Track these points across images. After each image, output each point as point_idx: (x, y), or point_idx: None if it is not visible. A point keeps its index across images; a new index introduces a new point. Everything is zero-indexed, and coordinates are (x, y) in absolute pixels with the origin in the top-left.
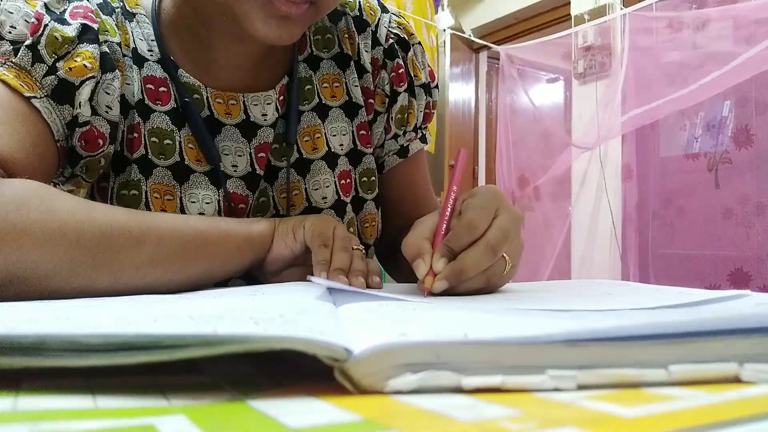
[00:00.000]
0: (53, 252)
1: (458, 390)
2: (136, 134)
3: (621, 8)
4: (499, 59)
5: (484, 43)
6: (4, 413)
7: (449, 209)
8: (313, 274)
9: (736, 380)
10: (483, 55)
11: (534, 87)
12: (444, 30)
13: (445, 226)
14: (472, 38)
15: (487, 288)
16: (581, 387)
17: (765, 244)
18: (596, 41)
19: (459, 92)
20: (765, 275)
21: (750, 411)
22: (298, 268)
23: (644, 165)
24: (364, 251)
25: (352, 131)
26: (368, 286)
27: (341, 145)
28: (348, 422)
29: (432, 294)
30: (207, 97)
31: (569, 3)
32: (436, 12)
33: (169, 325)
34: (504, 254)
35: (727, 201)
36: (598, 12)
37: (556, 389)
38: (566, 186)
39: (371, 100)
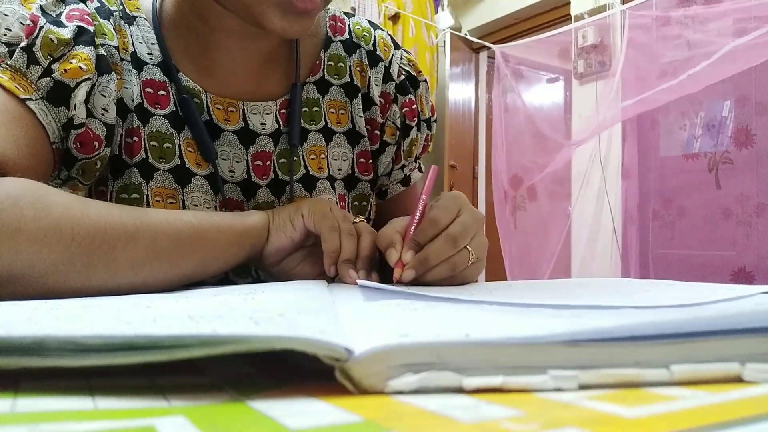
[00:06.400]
0: (49, 250)
1: (459, 390)
2: (135, 138)
3: (621, 6)
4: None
5: (483, 42)
6: (3, 414)
7: (419, 213)
8: (312, 257)
9: (738, 380)
10: (483, 55)
11: (533, 87)
12: (444, 30)
13: (414, 227)
14: (470, 38)
15: (455, 279)
16: (583, 387)
17: (766, 244)
18: (596, 40)
19: (459, 92)
20: (767, 274)
21: (752, 411)
22: (299, 253)
23: (645, 165)
24: (364, 219)
25: (353, 158)
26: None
27: (340, 170)
28: (348, 423)
29: (401, 283)
30: (207, 102)
31: (569, 3)
32: (436, 12)
33: (169, 325)
34: (468, 247)
35: (728, 201)
36: (598, 12)
37: (558, 389)
38: (566, 186)
39: (377, 132)
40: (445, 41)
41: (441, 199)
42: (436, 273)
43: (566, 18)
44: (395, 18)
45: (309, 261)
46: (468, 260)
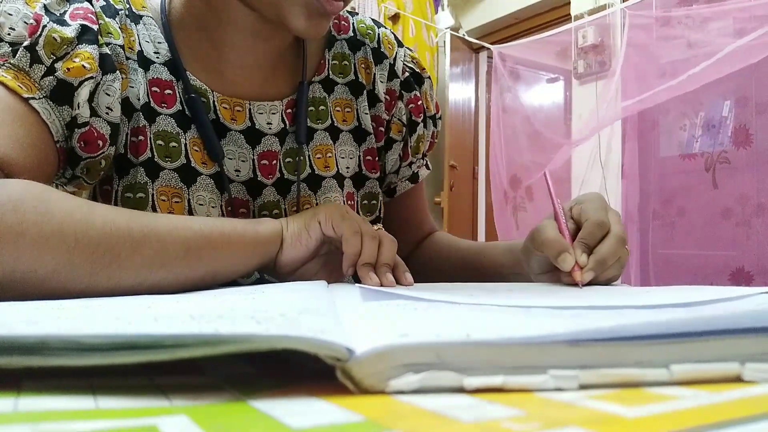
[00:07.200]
0: (51, 255)
1: (460, 390)
2: (141, 137)
3: (620, 5)
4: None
5: (481, 43)
6: (5, 414)
7: (562, 216)
8: (329, 266)
9: (738, 380)
10: (483, 55)
11: (532, 87)
12: (444, 30)
13: (566, 230)
14: (468, 38)
15: (617, 277)
16: (583, 387)
17: (765, 244)
18: (596, 40)
19: (459, 92)
20: (766, 274)
21: (752, 411)
22: (314, 262)
23: (645, 165)
24: (381, 227)
25: (359, 156)
26: (400, 283)
27: (347, 167)
28: (350, 423)
29: (584, 285)
30: (213, 102)
31: (569, 3)
32: (436, 12)
33: (170, 324)
34: (626, 246)
35: (726, 201)
36: (598, 12)
37: (558, 389)
38: (566, 187)
39: (382, 128)
40: (445, 41)
41: (588, 201)
42: (610, 272)
43: (566, 18)
44: (395, 18)
45: (325, 270)
46: (627, 258)
